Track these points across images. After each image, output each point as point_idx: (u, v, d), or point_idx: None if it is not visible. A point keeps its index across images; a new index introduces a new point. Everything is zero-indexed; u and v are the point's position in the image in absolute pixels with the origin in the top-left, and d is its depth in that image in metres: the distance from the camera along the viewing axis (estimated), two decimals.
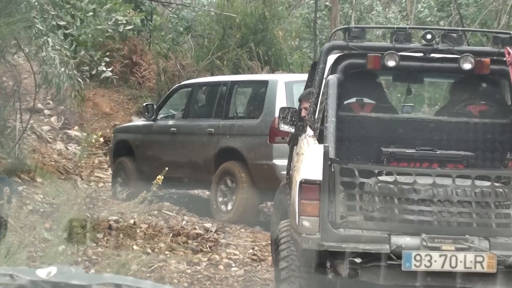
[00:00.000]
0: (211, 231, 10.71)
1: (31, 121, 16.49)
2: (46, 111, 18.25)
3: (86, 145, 14.24)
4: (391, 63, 7.41)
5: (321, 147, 6.60)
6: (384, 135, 7.86)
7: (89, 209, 10.61)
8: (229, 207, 12.09)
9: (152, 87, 19.22)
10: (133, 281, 2.48)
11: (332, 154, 6.74)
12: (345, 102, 7.98)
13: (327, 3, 23.30)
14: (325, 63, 7.60)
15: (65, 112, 17.84)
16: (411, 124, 8.03)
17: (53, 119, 17.88)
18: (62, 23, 10.07)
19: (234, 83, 12.81)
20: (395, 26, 7.74)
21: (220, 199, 12.22)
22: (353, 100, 8.06)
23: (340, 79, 7.51)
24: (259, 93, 12.25)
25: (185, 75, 18.27)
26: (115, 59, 20.18)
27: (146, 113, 13.39)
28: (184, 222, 10.98)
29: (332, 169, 6.49)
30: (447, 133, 7.96)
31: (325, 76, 7.50)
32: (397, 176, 6.50)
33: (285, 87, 11.72)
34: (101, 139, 16.37)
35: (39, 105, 17.99)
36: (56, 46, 10.29)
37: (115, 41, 20.51)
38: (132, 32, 20.52)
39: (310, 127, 7.43)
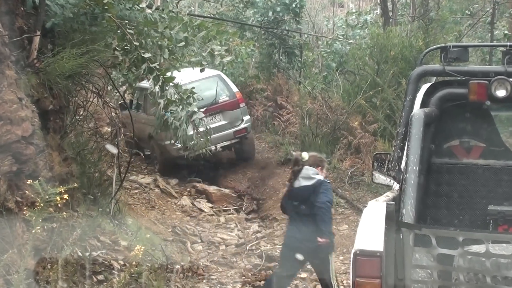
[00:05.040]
0: None
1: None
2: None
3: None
4: (501, 93, 5.67)
5: (384, 205, 4.91)
6: (495, 189, 6.04)
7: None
8: None
9: (295, 133, 17.61)
10: None
11: (410, 216, 5.05)
12: (446, 145, 6.22)
13: (506, 32, 20.80)
14: (414, 94, 5.94)
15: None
16: None
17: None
18: (147, 55, 8.77)
19: None
20: (508, 44, 5.88)
21: None
22: (456, 142, 6.26)
23: (432, 114, 5.82)
24: None
25: (332, 118, 16.58)
26: (257, 101, 18.88)
27: None
28: None
29: (401, 236, 4.79)
30: None
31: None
32: (492, 246, 4.69)
33: None
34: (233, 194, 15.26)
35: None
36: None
37: (259, 81, 19.20)
38: (276, 70, 19.23)
39: (394, 178, 5.77)
